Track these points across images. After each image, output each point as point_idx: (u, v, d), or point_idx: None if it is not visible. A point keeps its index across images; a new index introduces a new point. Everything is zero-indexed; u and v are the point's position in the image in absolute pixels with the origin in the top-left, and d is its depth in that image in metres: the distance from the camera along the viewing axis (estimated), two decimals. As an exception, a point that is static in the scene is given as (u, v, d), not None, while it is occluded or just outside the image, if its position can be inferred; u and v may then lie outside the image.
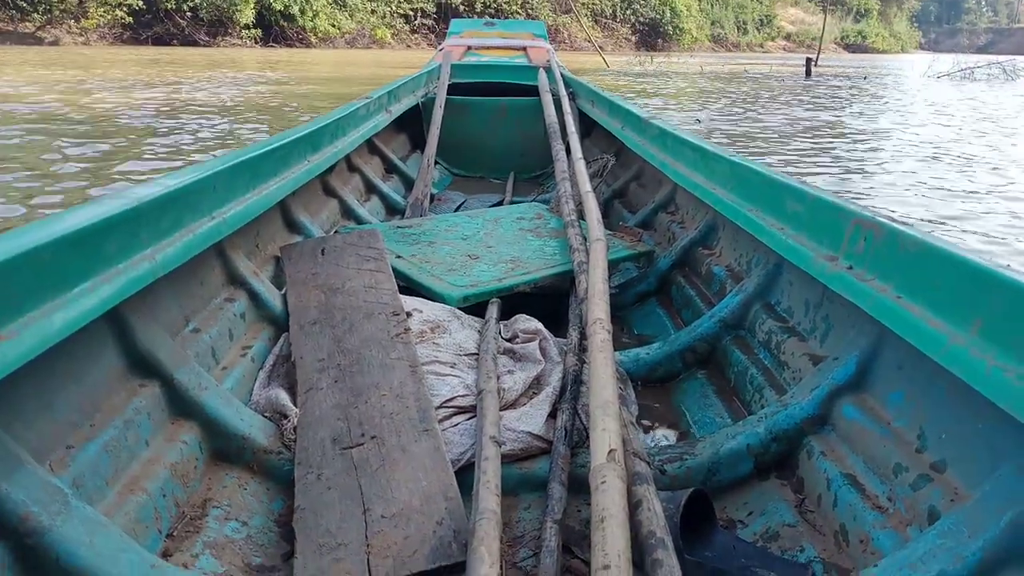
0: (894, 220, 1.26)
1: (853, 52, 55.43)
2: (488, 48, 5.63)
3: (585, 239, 2.09)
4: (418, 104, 4.17)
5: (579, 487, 1.23)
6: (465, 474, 1.24)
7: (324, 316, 1.67)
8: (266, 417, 1.38)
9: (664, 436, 1.50)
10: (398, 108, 3.71)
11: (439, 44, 5.76)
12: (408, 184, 3.51)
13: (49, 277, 1.00)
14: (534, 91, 4.38)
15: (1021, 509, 0.86)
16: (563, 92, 4.21)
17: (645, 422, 1.59)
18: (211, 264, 1.60)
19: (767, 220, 1.66)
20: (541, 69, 4.65)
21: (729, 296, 1.79)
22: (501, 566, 0.94)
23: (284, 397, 1.41)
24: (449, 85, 4.37)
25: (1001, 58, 23.64)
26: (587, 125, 4.07)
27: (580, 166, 2.76)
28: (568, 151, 3.13)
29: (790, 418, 1.30)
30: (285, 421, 1.35)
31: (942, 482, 1.02)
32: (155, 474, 1.12)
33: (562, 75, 4.55)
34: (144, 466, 1.13)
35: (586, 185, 2.52)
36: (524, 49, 5.47)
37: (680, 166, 2.35)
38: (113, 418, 1.12)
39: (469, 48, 5.53)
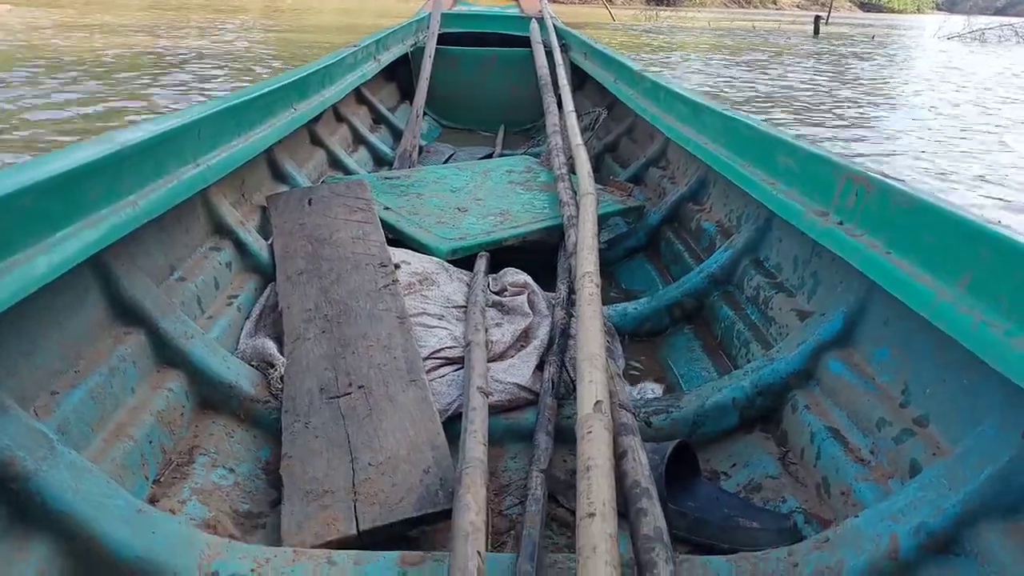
0: (886, 175, 1.25)
1: (868, 11, 54.36)
2: None
3: (575, 193, 2.08)
4: (407, 53, 4.09)
5: (565, 438, 1.24)
6: (452, 424, 1.24)
7: (311, 266, 1.66)
8: (253, 366, 1.38)
9: (650, 389, 1.51)
10: (387, 57, 3.64)
11: None
12: (396, 135, 3.47)
13: (31, 221, 0.98)
14: (526, 42, 4.30)
15: (1002, 464, 0.87)
16: (555, 44, 4.13)
17: (632, 375, 1.59)
18: (196, 212, 1.58)
19: (758, 175, 1.65)
20: (533, 19, 4.56)
21: (718, 252, 1.79)
22: (487, 514, 0.95)
23: (271, 346, 1.41)
24: (439, 34, 4.28)
25: (1014, 20, 23.38)
26: (580, 78, 4.01)
27: (571, 119, 2.73)
28: (559, 104, 3.09)
29: (775, 372, 1.31)
30: (272, 370, 1.35)
31: (925, 436, 1.04)
32: (141, 421, 1.12)
33: (555, 26, 4.46)
34: (130, 413, 1.13)
35: (577, 139, 2.49)
36: None
37: (672, 120, 2.33)
38: (98, 365, 1.11)
39: None
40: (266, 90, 1.93)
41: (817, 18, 19.44)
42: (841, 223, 1.30)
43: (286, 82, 2.10)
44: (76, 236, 1.05)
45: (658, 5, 32.70)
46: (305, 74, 2.30)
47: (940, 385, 1.05)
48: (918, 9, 63.34)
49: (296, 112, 2.17)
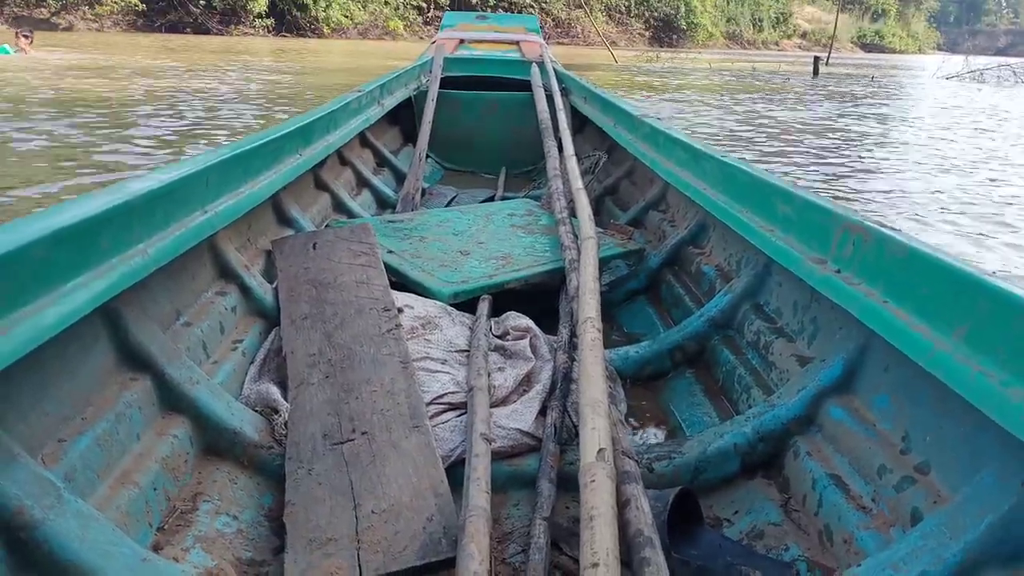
0: (882, 225, 1.28)
1: (869, 51, 55.35)
2: (481, 42, 5.61)
3: (576, 236, 2.10)
4: (410, 97, 4.16)
5: (568, 484, 1.24)
6: (455, 471, 1.25)
7: (315, 311, 1.67)
8: (257, 412, 1.39)
9: (653, 434, 1.51)
10: (390, 101, 3.70)
11: None
12: (400, 178, 3.51)
13: (42, 272, 1.00)
14: (527, 86, 4.37)
15: (1002, 512, 0.88)
16: (555, 87, 4.20)
17: (634, 420, 1.60)
18: (203, 258, 1.60)
19: (757, 221, 1.67)
20: (534, 64, 4.64)
21: (718, 296, 1.80)
22: (490, 563, 0.95)
23: (275, 392, 1.42)
24: (441, 78, 4.36)
25: (1012, 60, 23.66)
26: (579, 121, 4.07)
27: (572, 163, 2.77)
28: (560, 147, 3.14)
29: (777, 418, 1.31)
30: (276, 416, 1.36)
31: (925, 484, 1.04)
32: (146, 468, 1.13)
33: (555, 70, 4.54)
34: (135, 460, 1.13)
35: (578, 182, 2.53)
36: (517, 43, 5.46)
37: (671, 165, 2.36)
38: (104, 412, 1.12)
39: (462, 41, 5.50)
40: (272, 137, 1.97)
41: (816, 59, 19.68)
42: (839, 271, 1.32)
43: (292, 128, 2.14)
44: (87, 286, 1.07)
45: (659, 47, 33.32)
46: (310, 120, 2.35)
47: (939, 432, 1.06)
48: (919, 49, 64.22)
49: (302, 158, 2.20)
